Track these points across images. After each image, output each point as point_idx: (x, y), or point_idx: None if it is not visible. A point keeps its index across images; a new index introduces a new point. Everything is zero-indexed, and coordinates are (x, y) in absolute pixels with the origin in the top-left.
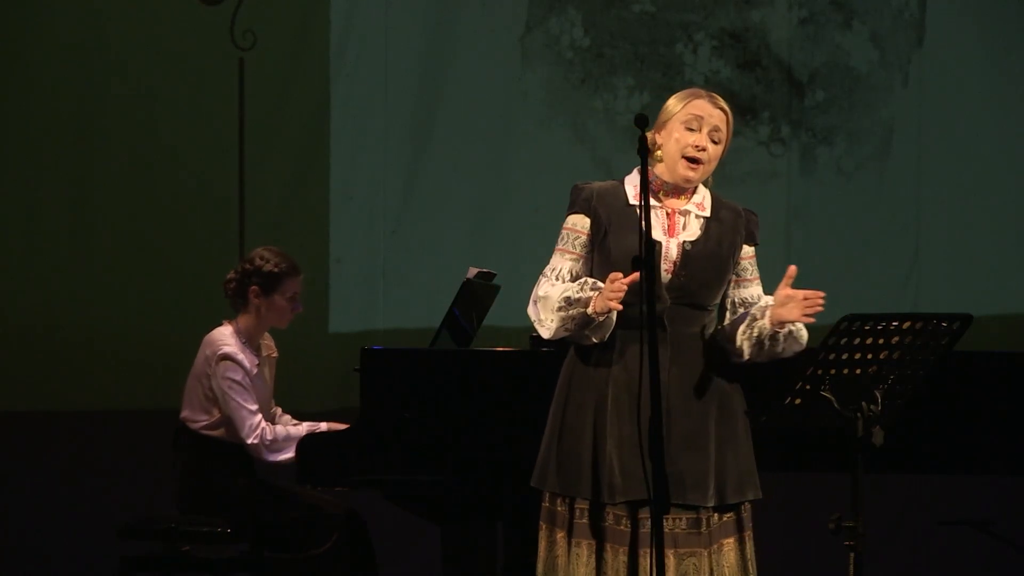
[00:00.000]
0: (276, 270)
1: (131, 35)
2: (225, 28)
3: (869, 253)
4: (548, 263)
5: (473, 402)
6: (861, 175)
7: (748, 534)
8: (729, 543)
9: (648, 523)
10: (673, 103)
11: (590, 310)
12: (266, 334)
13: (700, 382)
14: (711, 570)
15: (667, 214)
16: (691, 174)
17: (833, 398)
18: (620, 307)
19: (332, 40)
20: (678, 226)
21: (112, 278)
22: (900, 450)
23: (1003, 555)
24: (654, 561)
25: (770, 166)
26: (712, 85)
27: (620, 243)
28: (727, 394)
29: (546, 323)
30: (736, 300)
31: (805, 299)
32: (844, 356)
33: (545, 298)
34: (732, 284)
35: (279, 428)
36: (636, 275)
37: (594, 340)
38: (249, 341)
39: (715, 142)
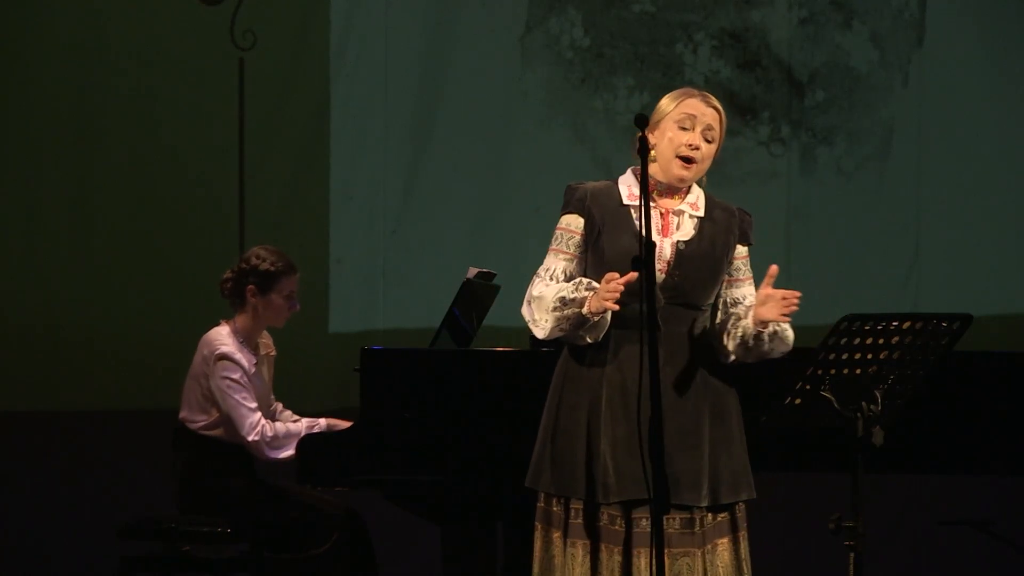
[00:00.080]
0: (272, 269)
1: (131, 35)
2: (225, 28)
3: (869, 253)
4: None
5: (473, 402)
6: (861, 175)
7: (742, 534)
8: (723, 543)
9: (643, 523)
10: (666, 102)
11: (585, 310)
12: (264, 332)
13: (694, 382)
14: (705, 570)
15: (661, 214)
16: (685, 173)
17: (833, 398)
18: (616, 307)
19: (332, 40)
20: (672, 226)
21: (112, 278)
22: (900, 450)
23: (1003, 555)
24: (653, 561)
25: (770, 166)
26: (712, 85)
27: (614, 243)
28: (721, 394)
29: (540, 323)
30: (729, 300)
31: (783, 299)
32: (844, 356)
33: (539, 298)
34: (725, 284)
35: (279, 425)
36: (633, 275)
37: (588, 340)
38: (247, 340)
39: (708, 141)
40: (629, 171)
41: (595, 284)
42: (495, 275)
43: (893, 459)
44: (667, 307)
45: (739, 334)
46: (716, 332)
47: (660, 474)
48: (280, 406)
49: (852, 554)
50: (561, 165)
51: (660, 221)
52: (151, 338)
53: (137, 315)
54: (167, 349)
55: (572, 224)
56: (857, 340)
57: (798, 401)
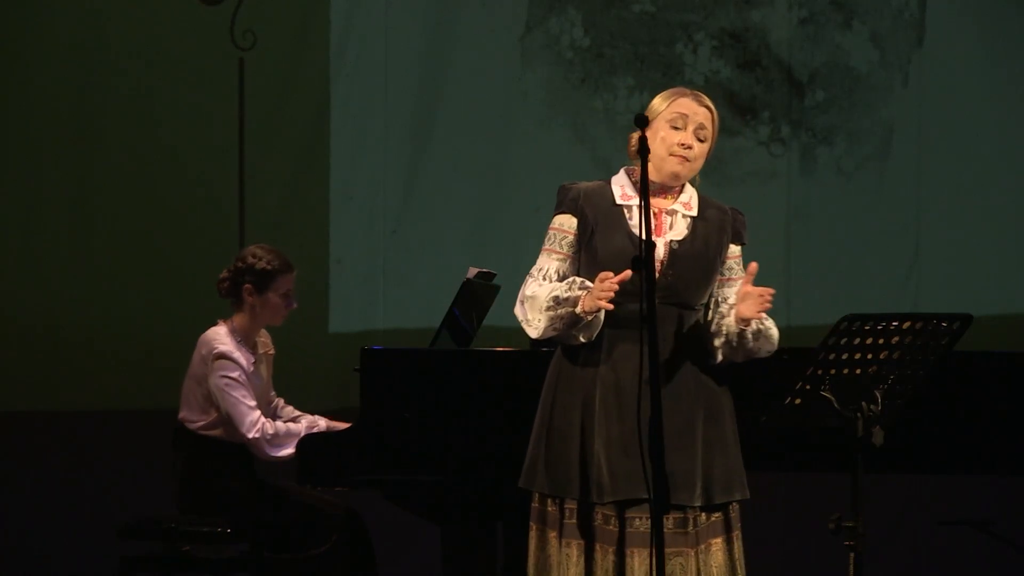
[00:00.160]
0: (269, 267)
1: (131, 35)
2: (225, 28)
3: (869, 253)
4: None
5: (473, 402)
6: (861, 175)
7: (736, 534)
8: (717, 543)
9: (636, 523)
10: (658, 102)
11: (579, 309)
12: (262, 331)
13: (687, 382)
14: (698, 570)
15: (654, 214)
16: (680, 169)
17: (833, 398)
18: (610, 306)
19: (332, 40)
20: (665, 225)
21: (112, 278)
22: (900, 450)
23: (1003, 555)
24: (653, 561)
25: (770, 166)
26: (712, 85)
27: (607, 243)
28: (715, 394)
29: (533, 323)
30: (721, 299)
31: (760, 295)
32: (844, 356)
33: (533, 298)
34: (718, 283)
35: (279, 424)
36: (627, 274)
37: (582, 340)
38: (245, 339)
39: (701, 140)
40: (622, 171)
41: (588, 283)
42: (495, 275)
43: (893, 459)
44: (660, 307)
45: (724, 332)
46: (708, 332)
47: (660, 474)
48: (282, 402)
49: (852, 554)
50: (561, 165)
51: (653, 221)
52: (151, 338)
53: (137, 315)
54: (167, 349)
55: (565, 224)
56: (857, 340)
57: (798, 401)
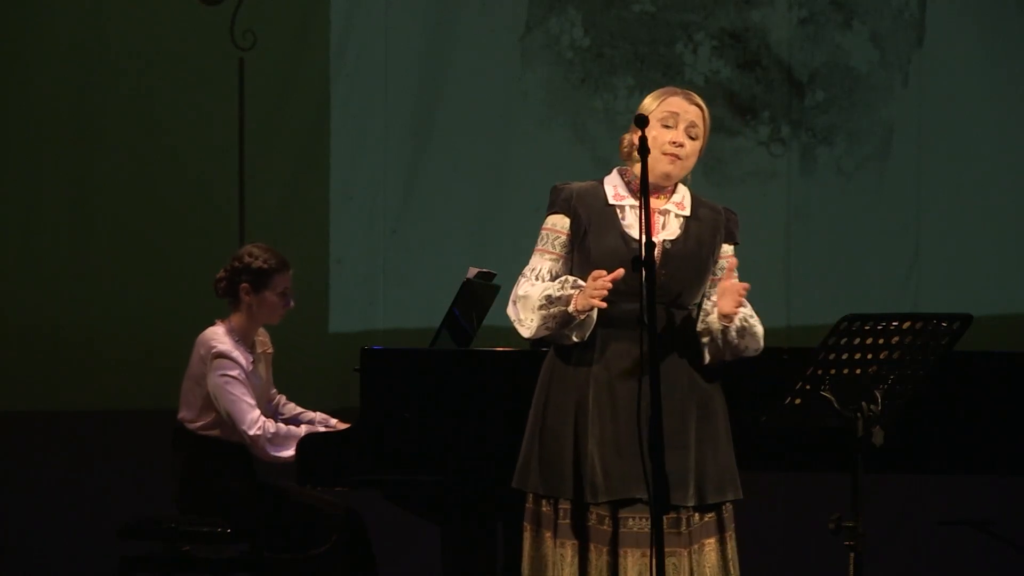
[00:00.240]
0: (265, 266)
1: (131, 35)
2: (225, 28)
3: (869, 253)
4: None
5: (473, 402)
6: (861, 175)
7: (729, 534)
8: (710, 543)
9: (630, 523)
10: (648, 102)
11: (571, 308)
12: (261, 330)
13: (681, 381)
14: (691, 570)
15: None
16: (670, 169)
17: (833, 398)
18: (604, 304)
19: (332, 40)
20: (658, 225)
21: (112, 278)
22: (900, 450)
23: (1003, 555)
24: (652, 561)
25: (770, 166)
26: (712, 85)
27: (600, 243)
28: (707, 393)
29: (526, 322)
30: (713, 299)
31: (735, 290)
32: (844, 356)
33: (525, 297)
34: (711, 283)
35: (280, 424)
36: (619, 272)
37: (574, 339)
38: (243, 339)
39: (692, 138)
40: (615, 171)
41: (581, 282)
42: (495, 275)
43: (893, 459)
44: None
45: (708, 330)
46: (699, 331)
47: (660, 474)
48: (283, 399)
49: (852, 554)
50: (561, 165)
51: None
52: (151, 338)
53: (137, 315)
54: (167, 349)
55: (558, 224)
56: (857, 340)
57: (798, 401)
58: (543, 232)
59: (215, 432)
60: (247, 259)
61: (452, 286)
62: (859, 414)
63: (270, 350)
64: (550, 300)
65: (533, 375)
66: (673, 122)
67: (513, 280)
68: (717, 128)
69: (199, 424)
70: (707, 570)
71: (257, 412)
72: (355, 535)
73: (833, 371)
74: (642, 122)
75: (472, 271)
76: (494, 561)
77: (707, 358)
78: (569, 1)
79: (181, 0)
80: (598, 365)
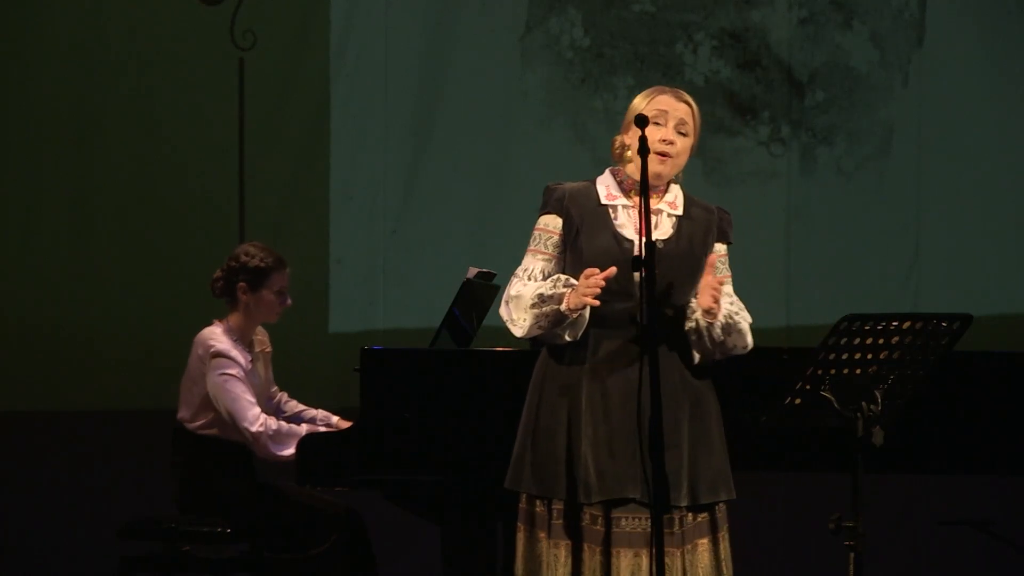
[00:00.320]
0: (262, 265)
1: (131, 35)
2: (225, 28)
3: (869, 253)
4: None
5: (473, 402)
6: (861, 175)
7: (722, 535)
8: (703, 543)
9: (623, 523)
10: (638, 101)
11: (563, 307)
12: (259, 329)
13: (673, 380)
14: (684, 570)
15: (639, 213)
16: (660, 168)
17: (833, 398)
18: (596, 303)
19: (332, 40)
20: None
21: (112, 278)
22: (900, 450)
23: (1003, 555)
24: (653, 561)
25: (770, 166)
26: (712, 85)
27: (592, 243)
28: (700, 392)
29: (518, 322)
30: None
31: (710, 285)
32: (844, 356)
33: (517, 297)
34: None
35: (282, 423)
36: (612, 270)
37: (567, 338)
38: (241, 338)
39: (683, 134)
40: (607, 171)
41: (573, 281)
42: (495, 275)
43: (893, 459)
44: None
45: (693, 328)
46: (687, 329)
47: (660, 474)
48: (285, 396)
49: (852, 554)
50: (561, 165)
51: (638, 220)
52: (151, 338)
53: (137, 315)
54: (167, 349)
55: (550, 224)
56: (857, 340)
57: (798, 401)
58: (535, 232)
59: (214, 431)
60: (244, 258)
61: (452, 286)
62: (859, 414)
63: (268, 349)
64: (542, 299)
65: None
66: (663, 120)
67: None
68: (717, 128)
69: (198, 424)
70: (700, 570)
71: (258, 409)
72: (355, 535)
73: (833, 371)
74: (642, 122)
75: (472, 271)
76: (494, 561)
77: (696, 357)
78: (569, 1)
79: (181, 0)
80: (590, 365)
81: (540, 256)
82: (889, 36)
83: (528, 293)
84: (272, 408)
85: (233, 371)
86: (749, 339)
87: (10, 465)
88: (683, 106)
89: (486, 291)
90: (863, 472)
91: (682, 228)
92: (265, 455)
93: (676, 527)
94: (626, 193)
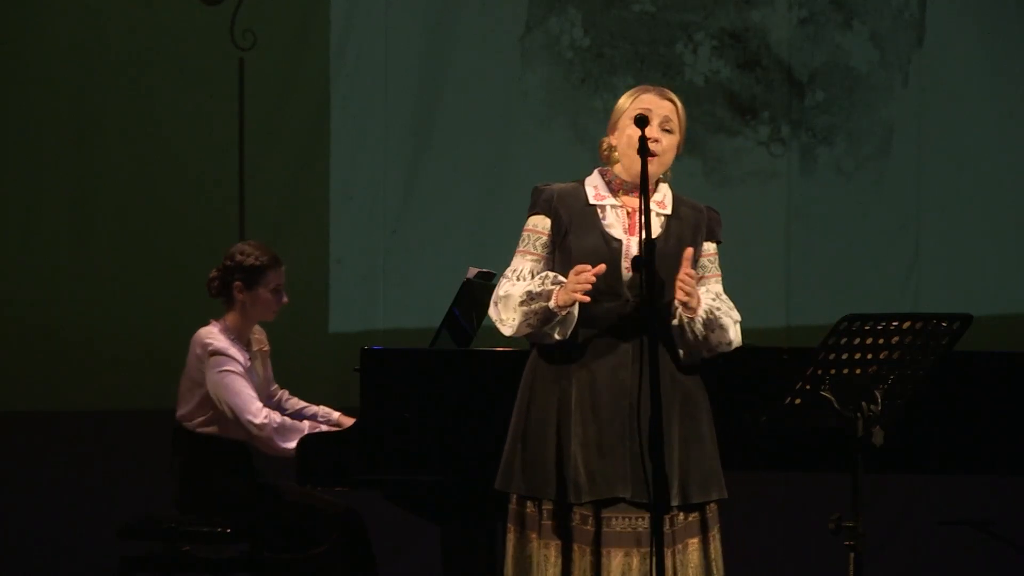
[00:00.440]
0: (258, 263)
1: (131, 35)
2: (225, 28)
3: (869, 253)
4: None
5: (473, 402)
6: (861, 175)
7: (713, 534)
8: (693, 543)
9: (613, 522)
10: (622, 101)
11: (552, 304)
12: (257, 328)
13: (663, 379)
14: (674, 570)
15: (628, 213)
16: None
17: (833, 398)
18: (586, 299)
19: (332, 40)
20: (638, 224)
21: (112, 278)
22: (900, 450)
23: (1003, 555)
24: (653, 561)
25: (770, 166)
26: (712, 85)
27: (580, 242)
28: (690, 391)
29: (507, 321)
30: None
31: (681, 280)
32: (844, 356)
33: (506, 297)
34: None
35: (285, 418)
36: (602, 267)
37: (556, 337)
38: (238, 337)
39: (668, 131)
40: (596, 172)
41: (562, 278)
42: (495, 275)
43: (893, 459)
44: (635, 305)
45: (676, 324)
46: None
47: (660, 474)
48: (286, 393)
49: (852, 554)
50: (561, 165)
51: (627, 220)
52: (151, 338)
53: (137, 315)
54: (167, 349)
55: (539, 225)
56: (857, 340)
57: (798, 401)
58: (524, 233)
59: (213, 429)
60: (239, 257)
61: (452, 286)
62: (859, 414)
63: (266, 348)
64: (531, 296)
65: None
66: (648, 118)
67: None
68: (717, 128)
69: (197, 422)
70: (690, 570)
71: (260, 403)
72: (355, 535)
73: (833, 371)
74: (642, 122)
75: (472, 271)
76: (494, 561)
77: (682, 354)
78: (569, 1)
79: (181, 0)
80: (580, 364)
81: (529, 257)
82: (889, 36)
83: (517, 292)
84: (273, 406)
85: (232, 367)
86: (732, 335)
87: (10, 465)
88: (667, 104)
89: (486, 291)
90: (863, 472)
91: (671, 228)
92: (269, 448)
93: (667, 527)
94: (614, 193)
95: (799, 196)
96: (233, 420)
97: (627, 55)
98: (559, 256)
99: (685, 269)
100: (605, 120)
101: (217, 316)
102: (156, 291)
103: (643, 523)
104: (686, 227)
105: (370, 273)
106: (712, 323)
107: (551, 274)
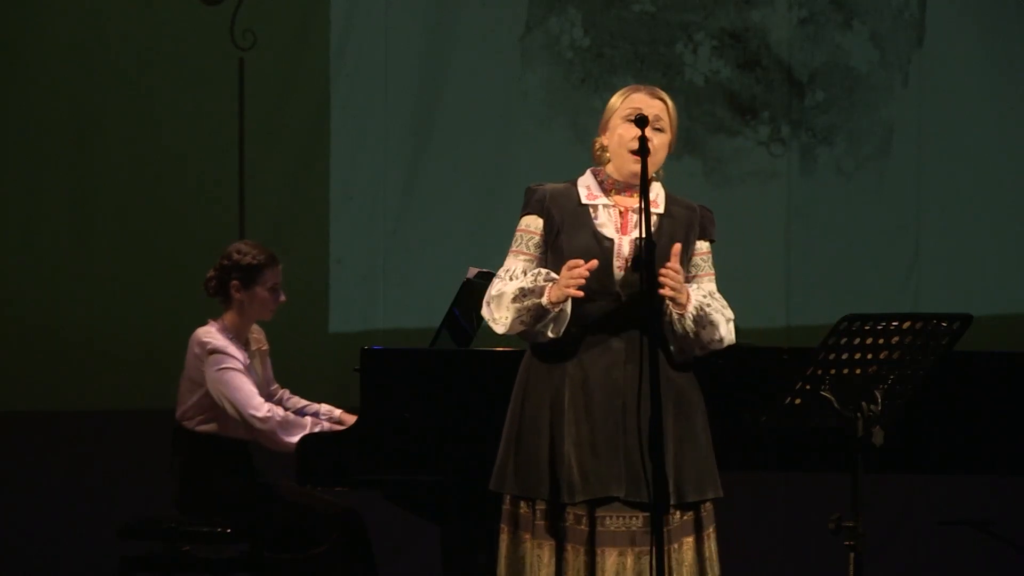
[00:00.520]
0: (255, 262)
1: (131, 35)
2: (225, 28)
3: (869, 253)
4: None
5: (473, 402)
6: (861, 175)
7: (708, 533)
8: (688, 542)
9: (607, 521)
10: (613, 101)
11: (545, 300)
12: (255, 327)
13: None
14: (669, 569)
15: (620, 212)
16: (638, 167)
17: (833, 398)
18: (580, 293)
19: (332, 40)
20: (630, 223)
21: (112, 278)
22: (900, 450)
23: (1003, 555)
24: (653, 562)
25: (770, 166)
26: (712, 85)
27: (572, 242)
28: (684, 390)
29: (500, 320)
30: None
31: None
32: (844, 356)
33: (499, 296)
34: (685, 280)
35: (288, 413)
36: (594, 263)
37: (550, 335)
38: (237, 336)
39: (659, 130)
40: (588, 172)
41: (554, 275)
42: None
43: (893, 459)
44: (626, 304)
45: (669, 321)
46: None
47: (660, 474)
48: (287, 392)
49: (852, 554)
50: (561, 165)
51: (619, 220)
52: (151, 338)
53: (137, 315)
54: (167, 349)
55: (532, 225)
56: (857, 340)
57: (798, 401)
58: (517, 233)
59: (212, 427)
60: (235, 256)
61: (452, 286)
62: (859, 414)
63: (265, 347)
64: (523, 292)
65: None
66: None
67: None
68: (717, 128)
69: (196, 420)
70: (684, 569)
71: (262, 398)
72: (355, 535)
73: (833, 371)
74: (642, 122)
75: (472, 271)
76: (494, 561)
77: (671, 347)
78: (569, 1)
79: (181, 0)
80: (573, 364)
81: (522, 257)
82: (889, 36)
83: (509, 290)
84: (274, 405)
85: (231, 363)
86: (723, 331)
87: (10, 465)
88: (657, 103)
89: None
90: (863, 472)
91: (663, 227)
92: (273, 443)
93: (662, 526)
94: (606, 193)
95: (799, 196)
96: (235, 417)
97: (627, 55)
98: (551, 256)
99: (670, 264)
100: None
101: (217, 316)
102: (156, 291)
103: (637, 522)
104: (679, 226)
105: (370, 273)
106: (702, 319)
107: (543, 271)
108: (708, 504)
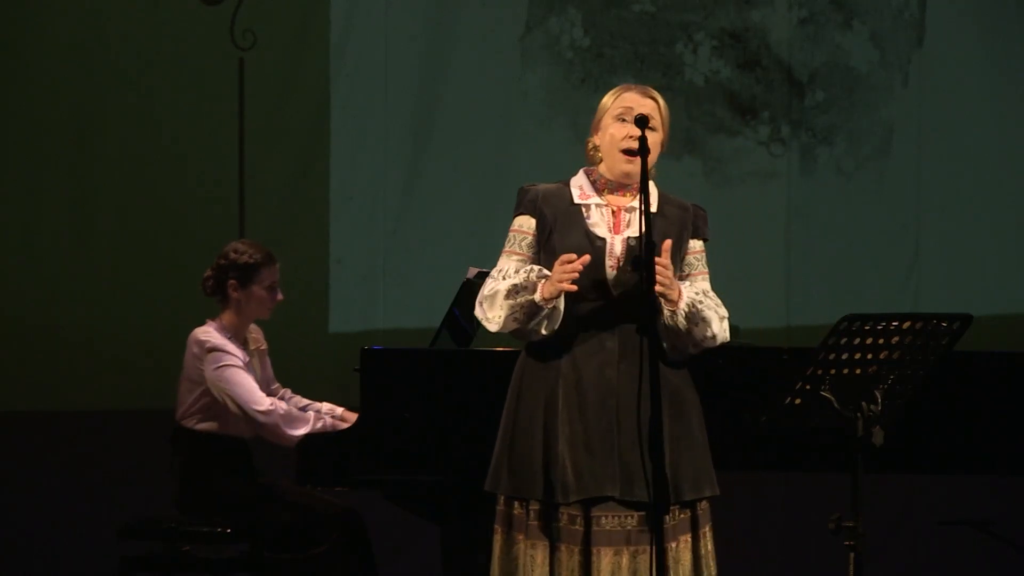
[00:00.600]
0: (252, 261)
1: (131, 35)
2: (225, 28)
3: (869, 253)
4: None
5: (473, 402)
6: (861, 175)
7: (704, 532)
8: (684, 540)
9: (602, 521)
10: (605, 100)
11: (538, 297)
12: (253, 327)
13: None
14: (666, 567)
15: (612, 212)
16: (629, 167)
17: (833, 398)
18: (573, 287)
19: (332, 40)
20: (623, 223)
21: (112, 278)
22: (900, 450)
23: (1003, 555)
24: (653, 562)
25: (770, 166)
26: (712, 85)
27: (565, 241)
28: (678, 389)
29: (493, 318)
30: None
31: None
32: (844, 356)
33: (492, 295)
34: (678, 279)
35: (290, 408)
36: (586, 258)
37: (543, 333)
38: (235, 336)
39: (651, 129)
40: (581, 172)
41: (547, 272)
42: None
43: (893, 459)
44: (619, 303)
45: (659, 317)
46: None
47: (660, 474)
48: (288, 392)
49: (852, 554)
50: (561, 165)
51: (612, 219)
52: (151, 338)
53: (137, 315)
54: (167, 349)
55: (524, 225)
56: (857, 340)
57: (798, 401)
58: (510, 234)
59: (212, 425)
60: (233, 255)
61: (452, 286)
62: (859, 414)
63: (264, 346)
64: (516, 289)
65: None
66: (629, 116)
67: None
68: (717, 128)
69: (196, 419)
70: (681, 568)
71: (263, 393)
72: (355, 535)
73: (833, 371)
74: (642, 122)
75: (472, 271)
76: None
77: (665, 345)
78: (569, 1)
79: (181, 0)
80: (566, 363)
81: (515, 257)
82: (889, 36)
83: (502, 288)
84: None
85: (230, 360)
86: (715, 328)
87: (10, 465)
88: (649, 102)
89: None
90: (863, 472)
91: (657, 226)
92: (276, 436)
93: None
94: (599, 192)
95: (799, 196)
96: (237, 413)
97: (627, 55)
98: (544, 256)
99: (660, 260)
100: None
101: (216, 316)
102: (156, 291)
103: (632, 521)
104: (672, 225)
105: (370, 273)
106: (695, 316)
107: (536, 268)
108: (704, 503)
